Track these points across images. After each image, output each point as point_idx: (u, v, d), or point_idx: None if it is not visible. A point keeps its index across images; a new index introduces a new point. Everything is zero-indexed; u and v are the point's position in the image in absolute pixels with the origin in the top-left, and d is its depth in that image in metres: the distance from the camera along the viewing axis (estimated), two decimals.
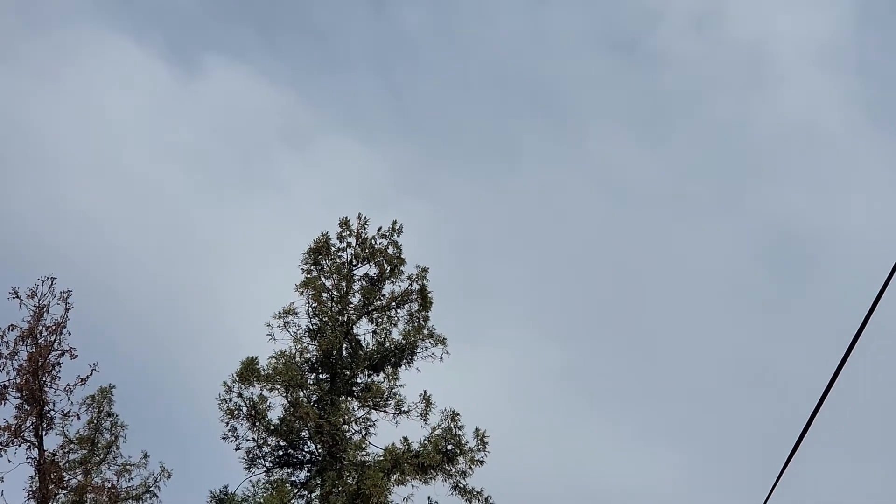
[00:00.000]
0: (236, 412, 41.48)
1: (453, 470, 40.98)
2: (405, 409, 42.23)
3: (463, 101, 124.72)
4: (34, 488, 39.06)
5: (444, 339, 43.00)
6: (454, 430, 41.26)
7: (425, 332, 43.01)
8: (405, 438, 40.96)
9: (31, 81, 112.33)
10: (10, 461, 38.18)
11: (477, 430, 41.26)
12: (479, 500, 40.99)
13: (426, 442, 40.93)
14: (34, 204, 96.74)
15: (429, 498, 41.28)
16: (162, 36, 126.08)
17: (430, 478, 40.80)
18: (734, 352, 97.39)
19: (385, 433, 42.06)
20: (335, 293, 42.65)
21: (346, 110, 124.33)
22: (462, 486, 40.99)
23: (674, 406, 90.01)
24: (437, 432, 41.26)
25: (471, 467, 41.06)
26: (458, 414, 41.43)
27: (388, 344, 42.78)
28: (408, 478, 40.18)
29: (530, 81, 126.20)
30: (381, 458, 40.26)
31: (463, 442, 41.10)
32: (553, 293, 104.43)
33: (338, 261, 43.00)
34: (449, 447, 41.03)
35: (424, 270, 43.12)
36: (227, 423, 41.56)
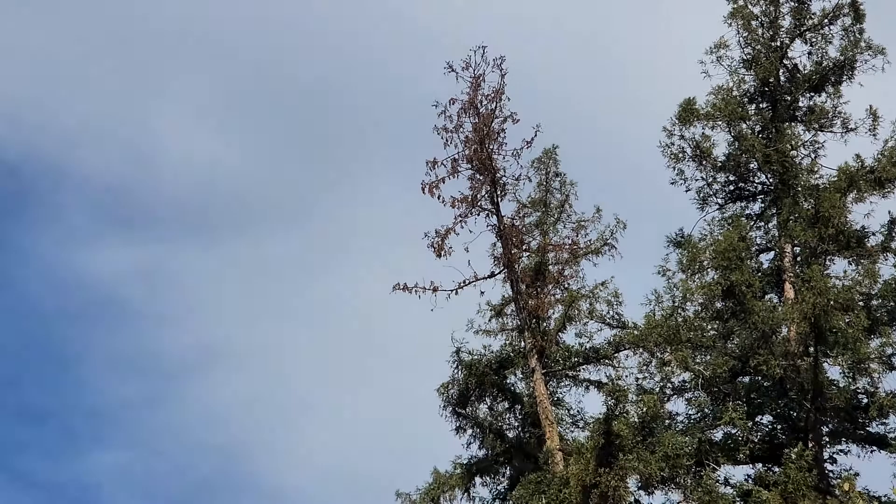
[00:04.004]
0: (680, 155, 41.42)
1: None
2: (852, 126, 41.01)
3: None
4: (497, 254, 40.38)
5: (882, 48, 41.15)
6: None
7: (862, 44, 41.24)
8: (857, 155, 39.67)
9: None
10: (470, 231, 39.44)
11: None
12: None
13: (880, 156, 39.56)
14: None
15: (889, 212, 40.18)
16: None
17: (889, 191, 39.52)
18: None
19: (834, 153, 41.10)
20: (764, 19, 41.42)
21: None
22: None
23: None
24: (889, 144, 39.79)
25: None
26: None
27: (825, 63, 41.36)
28: (865, 195, 39.07)
29: None
30: (835, 178, 39.26)
31: None
32: None
33: None
34: None
35: None
36: (674, 168, 41.61)
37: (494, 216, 39.90)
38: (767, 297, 39.54)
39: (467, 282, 39.37)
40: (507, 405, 40.96)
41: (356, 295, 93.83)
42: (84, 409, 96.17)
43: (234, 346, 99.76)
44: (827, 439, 37.51)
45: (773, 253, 40.99)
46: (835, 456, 37.84)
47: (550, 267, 40.65)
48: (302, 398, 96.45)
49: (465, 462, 39.80)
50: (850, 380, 36.89)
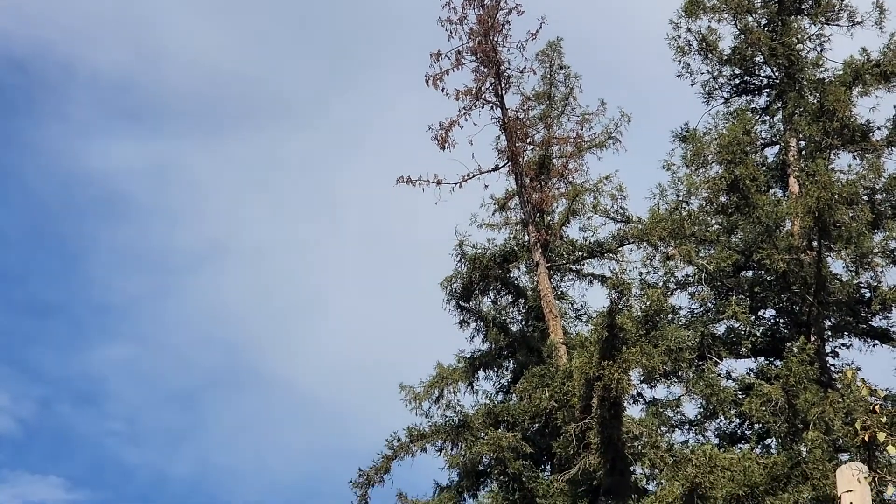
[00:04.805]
0: (686, 48, 41.18)
1: None
2: (858, 19, 40.72)
3: None
4: (501, 147, 40.18)
5: None
6: None
7: None
8: (863, 49, 39.46)
9: None
10: (475, 124, 39.06)
11: None
12: None
13: (886, 49, 39.35)
14: None
15: (894, 106, 40.07)
16: None
17: (894, 85, 39.36)
18: None
19: (840, 47, 40.88)
20: None
21: None
22: None
23: None
24: (895, 38, 39.53)
25: None
26: None
27: None
28: (870, 88, 38.90)
29: None
30: (841, 72, 39.07)
31: None
32: None
33: None
34: None
35: None
36: (680, 61, 41.43)
37: (499, 109, 39.51)
38: (772, 191, 39.55)
39: (471, 175, 39.12)
40: (510, 299, 41.11)
41: (364, 191, 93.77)
42: (91, 303, 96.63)
43: (242, 243, 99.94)
44: (829, 333, 37.78)
45: (777, 147, 40.99)
46: (836, 350, 38.20)
47: (554, 160, 40.47)
48: (309, 293, 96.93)
49: (468, 355, 40.02)
50: (853, 274, 37.06)
